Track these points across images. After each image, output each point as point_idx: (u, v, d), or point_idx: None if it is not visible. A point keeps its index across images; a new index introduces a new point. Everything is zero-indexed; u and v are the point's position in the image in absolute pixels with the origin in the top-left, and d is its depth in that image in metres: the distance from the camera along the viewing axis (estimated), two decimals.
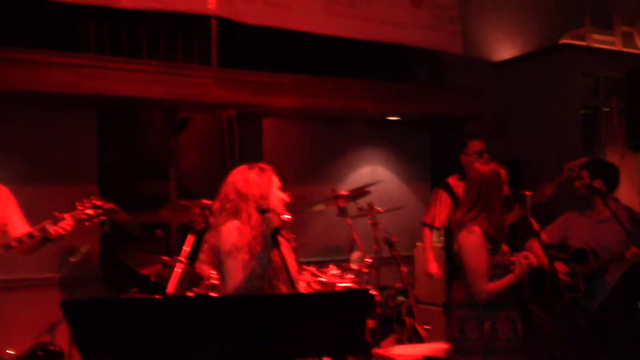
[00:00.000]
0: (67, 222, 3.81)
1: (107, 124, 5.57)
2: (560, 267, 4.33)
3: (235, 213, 2.92)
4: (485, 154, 5.08)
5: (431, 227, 5.25)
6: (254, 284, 2.76)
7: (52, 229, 3.75)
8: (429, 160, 7.11)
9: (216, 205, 3.01)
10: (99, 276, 5.38)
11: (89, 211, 3.88)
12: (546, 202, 4.56)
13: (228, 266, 2.84)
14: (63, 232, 3.79)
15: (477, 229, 3.32)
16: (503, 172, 3.48)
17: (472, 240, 3.32)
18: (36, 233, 3.76)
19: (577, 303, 4.24)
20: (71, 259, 4.49)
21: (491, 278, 3.31)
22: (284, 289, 2.88)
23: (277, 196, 3.03)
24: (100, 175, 5.50)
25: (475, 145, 5.09)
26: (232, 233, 2.86)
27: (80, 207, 3.89)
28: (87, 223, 3.89)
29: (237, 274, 2.80)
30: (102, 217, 3.93)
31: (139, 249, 4.76)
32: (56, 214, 3.82)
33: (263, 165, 3.07)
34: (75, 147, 5.45)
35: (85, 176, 5.41)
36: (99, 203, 3.92)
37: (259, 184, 2.97)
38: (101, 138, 5.55)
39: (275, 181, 3.05)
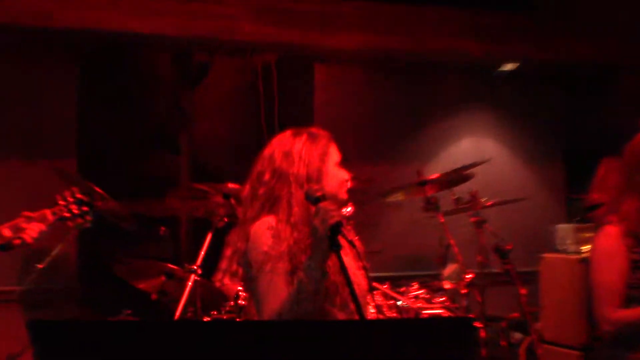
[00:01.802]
0: (37, 225, 3.91)
1: (91, 74, 5.66)
2: None
3: (272, 202, 2.91)
4: None
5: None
6: (304, 307, 2.74)
7: (23, 235, 3.87)
8: (562, 130, 7.04)
9: (245, 190, 3.01)
10: (77, 291, 5.50)
11: (73, 207, 3.99)
12: None
13: (262, 283, 2.82)
14: (30, 240, 3.90)
15: (613, 230, 3.39)
16: None
17: (604, 244, 3.43)
18: None
19: None
20: (38, 266, 4.57)
21: (631, 302, 3.36)
22: (341, 315, 2.85)
23: (336, 177, 2.99)
24: (81, 148, 5.60)
25: None
26: (264, 235, 2.85)
27: (62, 202, 4.00)
28: (69, 223, 4.01)
29: (276, 293, 2.79)
30: (88, 217, 4.03)
31: (133, 254, 4.82)
32: (27, 213, 3.92)
33: (315, 130, 3.05)
34: (45, 108, 5.55)
35: (58, 148, 5.53)
36: (84, 198, 4.04)
37: (307, 158, 2.94)
38: (82, 95, 5.64)
39: (334, 154, 3.02)
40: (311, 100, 6.16)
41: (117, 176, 5.37)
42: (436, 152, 6.68)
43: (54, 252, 4.61)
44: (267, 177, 2.93)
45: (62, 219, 4.03)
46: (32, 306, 5.04)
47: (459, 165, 5.40)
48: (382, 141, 6.48)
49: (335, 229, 2.69)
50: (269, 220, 2.87)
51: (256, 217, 2.90)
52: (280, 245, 2.83)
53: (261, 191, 2.93)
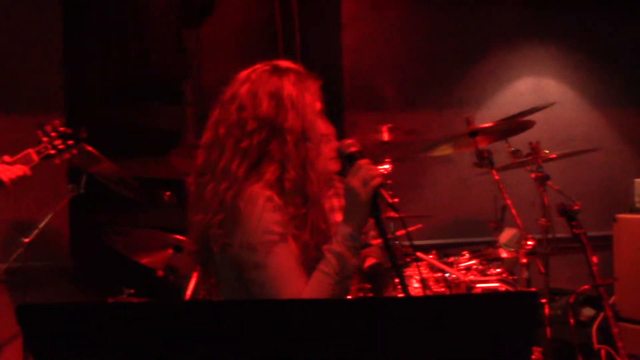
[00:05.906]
0: (19, 168, 3.99)
1: (79, 12, 5.67)
2: None
3: (257, 162, 2.79)
4: None
5: None
6: (344, 285, 2.76)
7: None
8: None
9: (206, 137, 2.91)
10: (69, 268, 5.57)
11: (58, 142, 4.06)
12: None
13: (273, 267, 2.72)
14: (7, 179, 3.98)
15: None
16: None
17: None
18: None
19: None
20: (24, 240, 4.64)
21: None
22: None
23: (322, 130, 2.90)
24: (69, 100, 5.63)
25: None
26: (265, 210, 2.72)
27: (45, 139, 4.07)
28: (56, 161, 4.08)
29: (297, 275, 2.74)
30: (74, 151, 4.13)
31: (134, 224, 4.85)
32: (7, 158, 4.01)
33: (299, 67, 2.91)
34: (25, 54, 5.58)
35: (43, 101, 5.56)
36: (68, 131, 4.18)
37: (301, 107, 2.82)
38: (69, 37, 5.64)
39: (320, 103, 2.92)
40: (339, 37, 6.13)
41: (113, 133, 5.40)
42: (488, 96, 6.65)
43: (43, 224, 4.67)
44: (252, 125, 2.79)
45: (48, 156, 4.15)
46: (18, 285, 5.09)
47: (516, 110, 5.41)
48: (425, 84, 6.46)
49: (377, 192, 2.72)
50: (262, 191, 2.75)
51: (244, 183, 2.76)
52: (285, 220, 2.75)
53: (244, 144, 2.78)
